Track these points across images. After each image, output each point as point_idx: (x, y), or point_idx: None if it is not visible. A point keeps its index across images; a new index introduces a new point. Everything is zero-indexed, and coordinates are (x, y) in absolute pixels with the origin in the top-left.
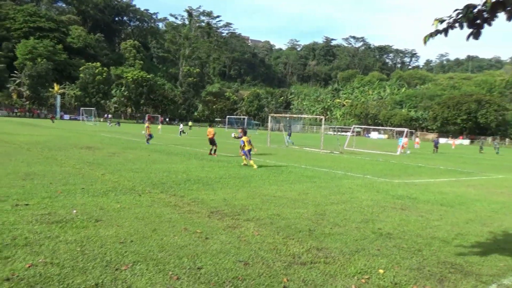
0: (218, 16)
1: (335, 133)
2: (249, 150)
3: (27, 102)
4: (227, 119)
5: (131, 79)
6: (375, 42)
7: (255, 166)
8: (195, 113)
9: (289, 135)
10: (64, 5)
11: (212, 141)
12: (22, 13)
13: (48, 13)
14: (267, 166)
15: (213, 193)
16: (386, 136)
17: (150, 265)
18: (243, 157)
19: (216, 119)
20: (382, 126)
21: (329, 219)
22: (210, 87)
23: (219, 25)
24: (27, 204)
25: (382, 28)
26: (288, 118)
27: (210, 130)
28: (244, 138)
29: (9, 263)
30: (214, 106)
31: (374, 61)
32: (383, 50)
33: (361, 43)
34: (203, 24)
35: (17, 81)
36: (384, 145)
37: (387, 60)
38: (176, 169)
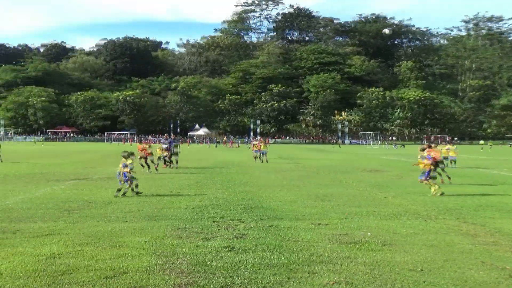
0: (501, 20)
1: None
2: None
3: (320, 130)
4: None
5: (412, 100)
6: None
7: None
8: (480, 130)
9: None
10: (345, 38)
11: None
12: (309, 52)
13: (332, 48)
14: None
15: None
16: None
17: None
18: None
19: (507, 135)
20: None
21: None
22: (504, 99)
23: (503, 29)
24: (325, 224)
25: None
26: None
27: None
28: None
29: (309, 278)
30: (503, 121)
31: None
32: None
33: None
34: (484, 31)
35: (311, 111)
36: None
37: None
38: (472, 192)
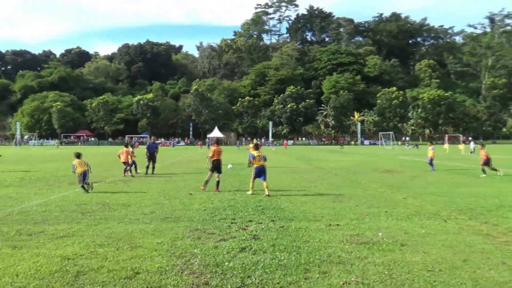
0: None
1: None
2: None
3: (332, 131)
4: None
5: (427, 100)
6: None
7: None
8: (504, 129)
9: None
10: (360, 38)
11: None
12: (326, 53)
13: (348, 48)
14: None
15: None
16: None
17: None
18: None
19: None
20: None
21: None
22: None
23: None
24: (338, 225)
25: None
26: None
27: None
28: None
29: (326, 278)
30: None
31: None
32: None
33: None
34: (508, 28)
35: (324, 113)
36: None
37: None
38: (485, 193)
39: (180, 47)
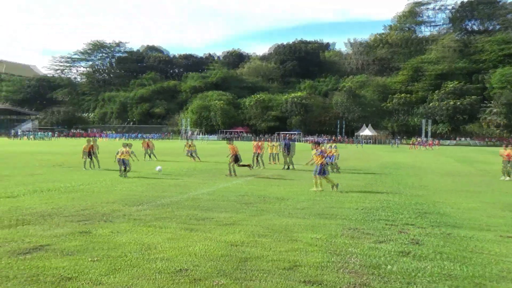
0: None
1: None
2: None
3: (504, 131)
4: None
5: None
6: None
7: None
8: None
9: None
10: None
11: None
12: (493, 43)
13: None
14: None
15: None
16: None
17: None
18: None
19: None
20: None
21: None
22: None
23: None
24: (510, 237)
25: None
26: None
27: None
28: None
29: None
30: None
31: None
32: None
33: None
34: None
35: (493, 110)
36: None
37: None
38: None
39: (330, 44)
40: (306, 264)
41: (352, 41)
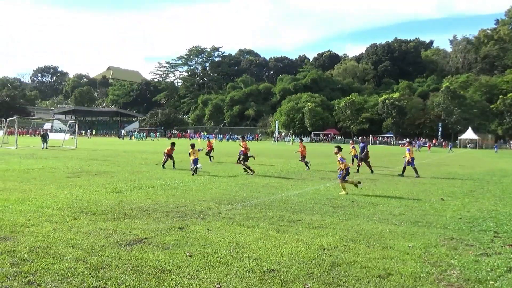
0: None
1: None
2: None
3: None
4: None
5: None
6: None
7: None
8: None
9: None
10: None
11: None
12: None
13: None
14: None
15: None
16: None
17: None
18: None
19: None
20: None
21: None
22: None
23: None
24: None
25: None
26: None
27: None
28: None
29: None
30: None
31: None
32: None
33: None
34: None
35: None
36: None
37: None
38: None
39: (431, 42)
40: (400, 273)
41: (457, 38)
